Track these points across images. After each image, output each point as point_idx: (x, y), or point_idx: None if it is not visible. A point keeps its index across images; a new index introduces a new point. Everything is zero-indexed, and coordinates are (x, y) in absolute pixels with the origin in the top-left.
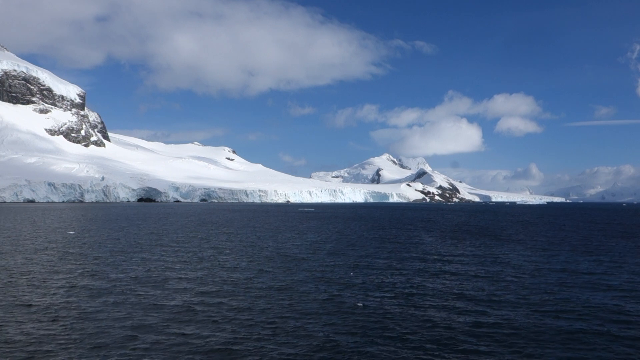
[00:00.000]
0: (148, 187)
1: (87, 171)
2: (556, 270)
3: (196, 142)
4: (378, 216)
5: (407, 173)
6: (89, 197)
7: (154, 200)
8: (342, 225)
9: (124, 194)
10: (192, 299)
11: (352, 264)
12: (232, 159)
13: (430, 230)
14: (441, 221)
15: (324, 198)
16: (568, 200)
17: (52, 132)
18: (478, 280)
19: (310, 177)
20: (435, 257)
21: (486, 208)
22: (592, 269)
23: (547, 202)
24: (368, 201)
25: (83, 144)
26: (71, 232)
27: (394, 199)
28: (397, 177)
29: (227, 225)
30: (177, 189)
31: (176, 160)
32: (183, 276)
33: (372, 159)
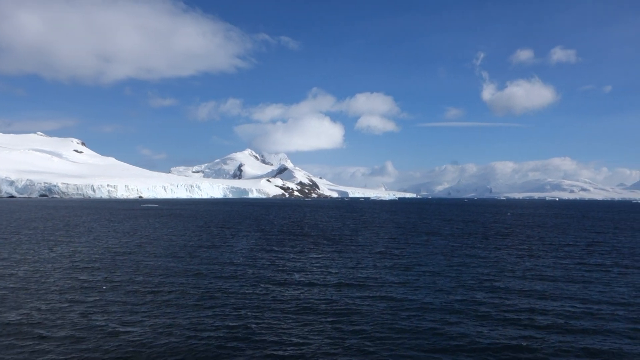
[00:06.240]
0: None
1: None
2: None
3: (40, 133)
4: (216, 211)
5: (269, 169)
6: None
7: None
8: (159, 224)
9: None
10: None
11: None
12: (80, 152)
13: (258, 231)
14: (273, 219)
15: (181, 194)
16: (419, 196)
17: None
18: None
19: (169, 172)
20: (227, 261)
21: (338, 203)
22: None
23: (399, 198)
24: (227, 197)
25: None
26: None
27: (254, 194)
28: (259, 172)
29: (19, 228)
30: (11, 183)
31: (13, 151)
32: None
33: (234, 154)
